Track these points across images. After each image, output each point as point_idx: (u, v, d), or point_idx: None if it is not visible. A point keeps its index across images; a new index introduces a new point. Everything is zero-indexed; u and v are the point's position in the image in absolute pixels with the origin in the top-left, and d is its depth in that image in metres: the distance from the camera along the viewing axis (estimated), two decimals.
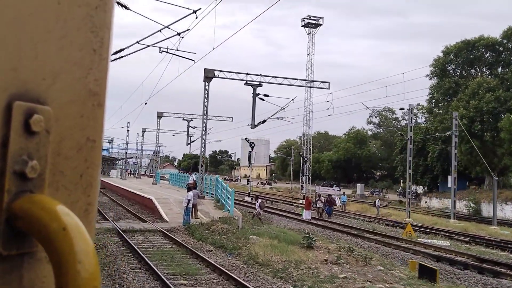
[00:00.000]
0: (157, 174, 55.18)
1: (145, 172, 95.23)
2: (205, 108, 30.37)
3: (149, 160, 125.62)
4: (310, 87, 31.95)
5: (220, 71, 30.74)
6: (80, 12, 0.63)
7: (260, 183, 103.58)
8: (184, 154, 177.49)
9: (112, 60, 19.25)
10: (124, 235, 18.57)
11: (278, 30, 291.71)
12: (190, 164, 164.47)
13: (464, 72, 56.43)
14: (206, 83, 30.30)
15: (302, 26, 64.89)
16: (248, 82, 31.02)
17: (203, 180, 30.60)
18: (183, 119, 54.05)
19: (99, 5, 0.65)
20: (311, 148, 67.91)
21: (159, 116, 54.09)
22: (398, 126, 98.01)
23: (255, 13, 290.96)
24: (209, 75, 30.29)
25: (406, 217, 33.26)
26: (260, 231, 18.15)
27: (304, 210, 29.43)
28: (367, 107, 33.88)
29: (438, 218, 39.01)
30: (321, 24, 64.08)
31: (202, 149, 30.55)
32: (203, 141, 30.51)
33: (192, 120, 54.19)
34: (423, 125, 62.01)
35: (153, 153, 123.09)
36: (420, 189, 66.22)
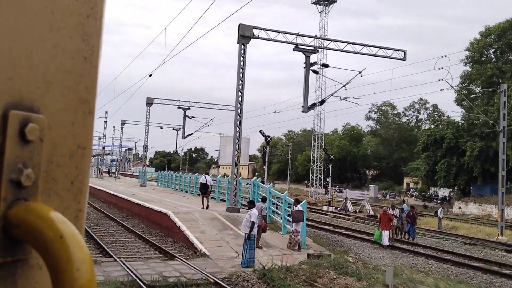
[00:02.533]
0: (145, 173, 45.31)
1: (118, 170, 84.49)
2: (240, 82, 21.12)
3: (121, 158, 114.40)
4: (383, 56, 23.15)
5: (262, 29, 21.59)
6: (72, 20, 0.63)
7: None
8: (156, 152, 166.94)
9: None
10: None
11: None
12: (163, 162, 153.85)
13: (503, 57, 48.87)
14: (242, 45, 21.09)
15: (313, 3, 56.22)
16: (300, 46, 22.00)
17: (237, 184, 21.27)
18: (179, 107, 44.37)
19: (90, 13, 0.65)
20: (323, 145, 59.30)
21: (149, 102, 44.12)
22: (400, 122, 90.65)
23: (227, 10, 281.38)
24: (246, 34, 21.08)
25: (498, 235, 24.95)
26: None
27: (381, 230, 20.06)
28: (451, 87, 25.31)
29: None
30: (336, 1, 55.56)
31: (237, 140, 21.25)
32: (238, 128, 21.21)
33: (189, 108, 44.61)
34: (450, 119, 54.05)
35: (126, 149, 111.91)
36: (442, 192, 58.57)
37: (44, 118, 0.59)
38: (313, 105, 21.94)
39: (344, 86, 22.45)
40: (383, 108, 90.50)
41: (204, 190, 22.32)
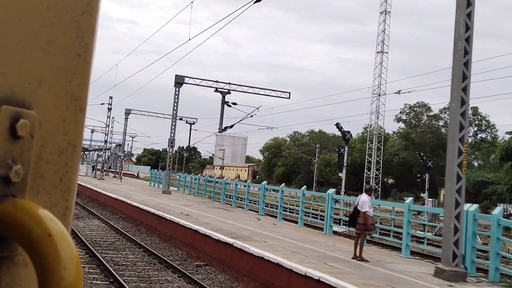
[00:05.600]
0: (164, 175, 34.24)
1: (109, 168, 73.27)
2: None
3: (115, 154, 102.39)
4: None
5: None
6: (67, 17, 0.62)
7: None
8: (144, 149, 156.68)
9: None
10: None
11: (236, 30, 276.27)
12: (151, 160, 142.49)
13: None
14: None
15: None
16: None
17: (460, 220, 10.41)
18: (216, 90, 33.35)
19: (85, 10, 0.64)
20: (382, 147, 48.88)
21: (179, 82, 32.94)
22: (436, 126, 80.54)
23: (215, 10, 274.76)
24: None
25: None
26: None
27: None
28: None
29: None
30: None
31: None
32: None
33: (229, 93, 33.58)
34: None
35: (116, 145, 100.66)
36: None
37: (35, 114, 0.57)
38: None
39: None
40: (416, 109, 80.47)
41: (362, 223, 11.59)
